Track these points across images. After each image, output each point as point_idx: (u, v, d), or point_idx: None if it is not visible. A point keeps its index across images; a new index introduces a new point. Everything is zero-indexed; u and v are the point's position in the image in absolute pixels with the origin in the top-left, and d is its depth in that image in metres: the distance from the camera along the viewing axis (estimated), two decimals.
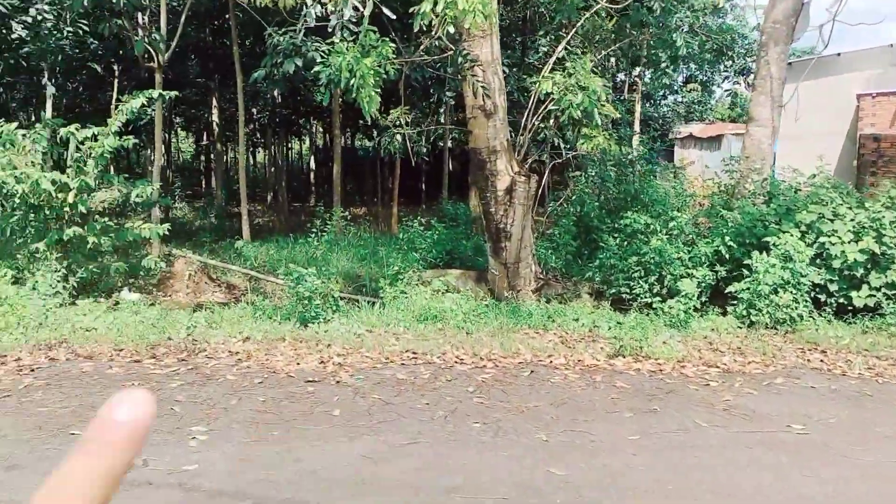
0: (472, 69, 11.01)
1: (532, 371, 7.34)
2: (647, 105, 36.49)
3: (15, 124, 11.21)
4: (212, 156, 37.20)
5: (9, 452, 4.95)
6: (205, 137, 35.95)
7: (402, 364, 7.49)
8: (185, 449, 5.13)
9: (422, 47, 11.49)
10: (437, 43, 11.34)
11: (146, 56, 13.57)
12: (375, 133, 28.52)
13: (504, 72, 12.75)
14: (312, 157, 32.81)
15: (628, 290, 10.41)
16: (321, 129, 35.89)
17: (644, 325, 8.58)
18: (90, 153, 11.15)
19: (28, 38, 14.49)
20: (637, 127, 27.24)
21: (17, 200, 10.83)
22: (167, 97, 11.44)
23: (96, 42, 16.92)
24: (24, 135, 11.41)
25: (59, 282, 10.55)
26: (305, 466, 4.92)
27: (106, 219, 11.82)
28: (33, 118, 30.96)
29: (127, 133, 20.78)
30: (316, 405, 6.15)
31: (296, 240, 15.92)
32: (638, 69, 26.80)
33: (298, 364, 7.33)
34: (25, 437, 5.22)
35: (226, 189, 24.08)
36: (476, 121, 11.42)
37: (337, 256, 13.92)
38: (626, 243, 11.16)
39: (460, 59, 10.96)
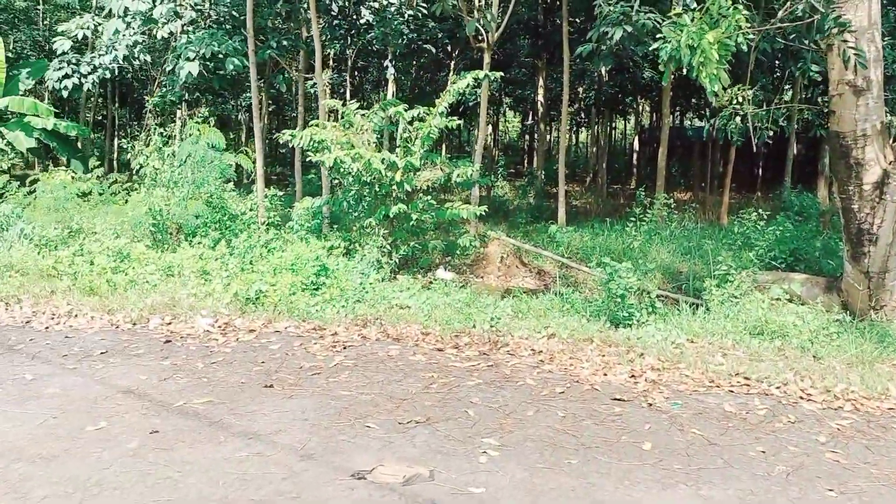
0: (843, 35, 9.00)
1: None
2: None
3: (355, 105, 11.93)
4: (535, 135, 37.85)
5: (306, 439, 4.89)
6: (529, 117, 36.56)
7: (731, 391, 6.23)
8: (474, 465, 4.62)
9: (782, 12, 9.69)
10: (800, 6, 9.49)
11: (477, 37, 13.62)
12: (708, 112, 26.23)
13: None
14: (636, 138, 31.36)
15: None
16: (647, 108, 34.25)
17: None
18: (417, 133, 11.45)
19: (374, 23, 15.49)
20: None
21: (352, 178, 11.53)
22: (493, 77, 11.23)
23: (434, 24, 17.67)
24: (362, 115, 12.12)
25: (383, 256, 11.02)
26: None
27: (429, 197, 12.08)
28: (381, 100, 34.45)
29: (458, 113, 21.52)
30: (623, 432, 5.27)
31: (612, 226, 15.02)
32: None
33: (605, 375, 6.48)
34: (324, 424, 5.16)
35: (545, 169, 23.96)
36: (841, 99, 9.35)
37: (656, 248, 12.72)
38: None
39: (828, 24, 9.00)
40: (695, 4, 8.82)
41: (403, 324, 7.88)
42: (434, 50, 17.33)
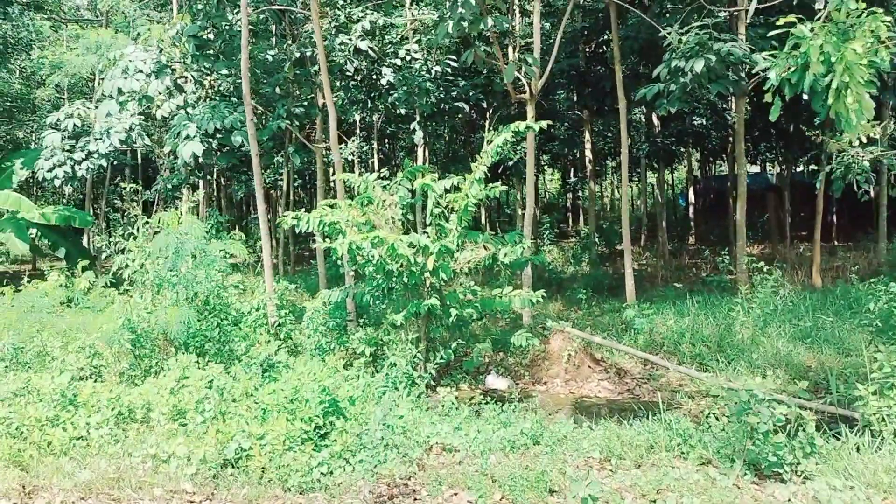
0: None
1: None
2: None
3: (373, 176, 9.74)
4: (578, 192, 35.42)
5: None
6: (571, 173, 34.24)
7: None
8: None
9: None
10: None
11: (517, 85, 11.44)
12: (782, 155, 23.52)
13: None
14: (690, 189, 28.73)
15: None
16: (697, 157, 31.79)
17: None
18: (451, 206, 9.16)
19: (396, 83, 13.46)
20: None
21: (374, 267, 9.24)
22: (537, 130, 8.93)
23: (464, 80, 15.64)
24: (384, 187, 9.90)
25: (416, 367, 8.62)
26: None
27: (470, 282, 9.74)
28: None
29: (497, 175, 19.26)
30: None
31: (691, 297, 12.38)
32: None
33: None
34: None
35: (598, 230, 21.48)
36: None
37: (761, 329, 10.04)
38: None
39: None
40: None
41: (448, 491, 5.38)
42: (466, 107, 15.19)
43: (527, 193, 12.06)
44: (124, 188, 12.30)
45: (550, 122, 10.12)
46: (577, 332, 10.03)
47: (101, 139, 14.68)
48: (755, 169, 35.44)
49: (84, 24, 19.04)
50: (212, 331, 10.29)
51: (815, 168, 23.57)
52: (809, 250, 17.16)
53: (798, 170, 28.45)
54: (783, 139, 21.91)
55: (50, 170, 14.62)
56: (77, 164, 14.79)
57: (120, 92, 12.16)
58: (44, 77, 17.28)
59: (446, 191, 9.04)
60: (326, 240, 9.34)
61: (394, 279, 9.43)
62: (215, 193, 23.98)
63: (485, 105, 18.19)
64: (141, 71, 11.38)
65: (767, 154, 30.24)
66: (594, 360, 9.76)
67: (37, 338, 9.48)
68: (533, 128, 8.96)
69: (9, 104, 17.90)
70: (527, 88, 11.45)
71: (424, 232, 9.77)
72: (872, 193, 14.29)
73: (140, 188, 14.46)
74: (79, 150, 14.82)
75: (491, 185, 9.02)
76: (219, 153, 12.29)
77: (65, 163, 14.67)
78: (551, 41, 12.31)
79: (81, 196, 22.59)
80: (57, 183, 14.75)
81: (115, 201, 20.67)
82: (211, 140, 11.97)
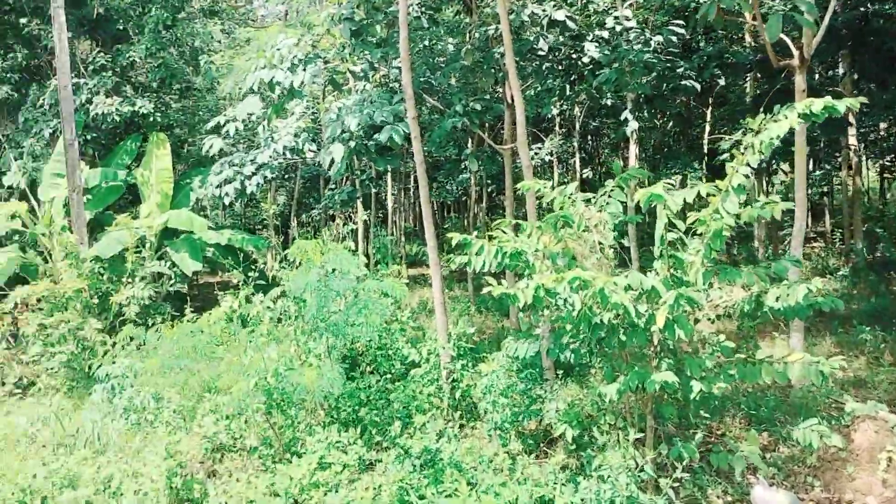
0: None
1: None
2: None
3: (573, 185, 6.89)
4: (825, 188, 29.49)
5: None
6: (811, 163, 28.53)
7: None
8: None
9: None
10: None
11: (779, 49, 8.03)
12: None
13: None
14: None
15: None
16: None
17: None
18: (693, 229, 6.06)
19: (603, 60, 10.46)
20: None
21: (574, 320, 6.39)
22: (842, 110, 5.48)
23: (688, 54, 12.22)
24: (587, 200, 7.02)
25: (638, 480, 5.68)
26: None
27: (719, 337, 6.58)
28: (623, 167, 28.71)
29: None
30: None
31: None
32: None
33: None
34: None
35: (867, 235, 16.78)
36: None
37: None
38: None
39: None
40: None
41: None
42: (698, 86, 11.67)
43: (796, 201, 8.45)
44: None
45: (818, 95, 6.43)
46: (892, 417, 6.47)
47: (265, 147, 13.25)
48: None
49: (258, 26, 18.26)
50: (368, 391, 8.08)
51: None
52: None
53: None
54: None
55: (218, 186, 13.44)
56: (247, 179, 13.47)
57: (270, 86, 10.41)
58: (215, 83, 16.48)
59: (686, 206, 5.96)
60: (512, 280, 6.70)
61: (604, 333, 6.54)
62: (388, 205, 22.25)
63: (718, 82, 14.44)
64: (292, 63, 9.46)
65: None
66: None
67: (183, 387, 7.86)
68: (836, 108, 5.57)
69: (184, 116, 17.23)
70: (794, 52, 7.98)
71: (646, 266, 6.79)
72: None
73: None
74: (249, 164, 13.49)
75: (765, 200, 5.77)
76: (376, 157, 10.12)
77: (234, 178, 13.42)
78: None
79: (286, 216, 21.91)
80: (227, 201, 13.52)
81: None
82: (366, 140, 9.81)
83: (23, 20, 15.22)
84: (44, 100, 14.83)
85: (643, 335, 6.12)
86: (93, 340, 10.67)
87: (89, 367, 10.25)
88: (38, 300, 10.92)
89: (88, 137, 15.62)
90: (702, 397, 6.23)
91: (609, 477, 5.51)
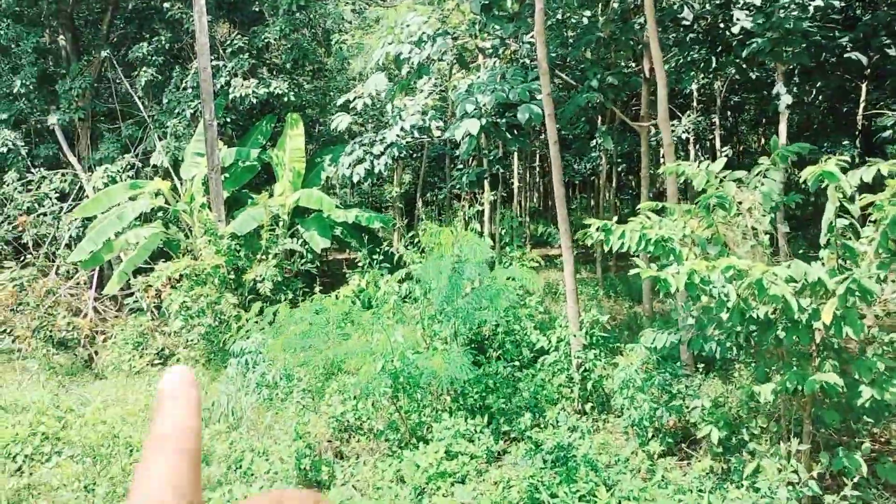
0: None
1: None
2: None
3: (719, 163, 6.27)
4: None
5: None
6: None
7: None
8: None
9: None
10: None
11: None
12: None
13: None
14: None
15: None
16: None
17: None
18: (868, 214, 5.35)
19: (756, 29, 9.58)
20: None
21: (728, 307, 5.83)
22: None
23: (850, 22, 10.98)
24: (738, 180, 6.39)
25: (795, 481, 5.11)
26: None
27: (890, 336, 5.83)
28: (763, 144, 26.75)
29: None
30: None
31: None
32: None
33: None
34: None
35: None
36: None
37: None
38: None
39: None
40: None
41: None
42: (864, 59, 10.43)
43: None
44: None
45: None
46: None
47: (393, 125, 13.22)
48: None
49: (389, 5, 18.22)
50: (495, 378, 7.84)
51: None
52: None
53: None
54: None
55: (350, 166, 13.57)
56: (376, 159, 13.53)
57: (396, 62, 10.28)
58: (345, 63, 16.62)
59: (862, 186, 5.26)
60: (652, 265, 6.22)
61: (757, 328, 5.95)
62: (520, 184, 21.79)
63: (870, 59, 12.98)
64: (419, 38, 9.27)
65: None
66: None
67: (310, 365, 7.92)
68: None
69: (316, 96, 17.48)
70: None
71: (808, 254, 6.12)
72: None
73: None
74: (378, 143, 13.53)
75: None
76: (509, 135, 9.76)
77: (364, 158, 13.50)
78: None
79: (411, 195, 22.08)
80: (355, 179, 13.64)
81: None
82: (497, 119, 9.47)
83: (166, 4, 15.94)
84: (186, 82, 15.49)
85: (805, 332, 5.50)
86: (228, 315, 11.06)
87: (224, 342, 10.62)
88: (180, 277, 11.43)
89: (228, 119, 16.22)
90: (873, 405, 5.54)
91: (765, 489, 4.98)
